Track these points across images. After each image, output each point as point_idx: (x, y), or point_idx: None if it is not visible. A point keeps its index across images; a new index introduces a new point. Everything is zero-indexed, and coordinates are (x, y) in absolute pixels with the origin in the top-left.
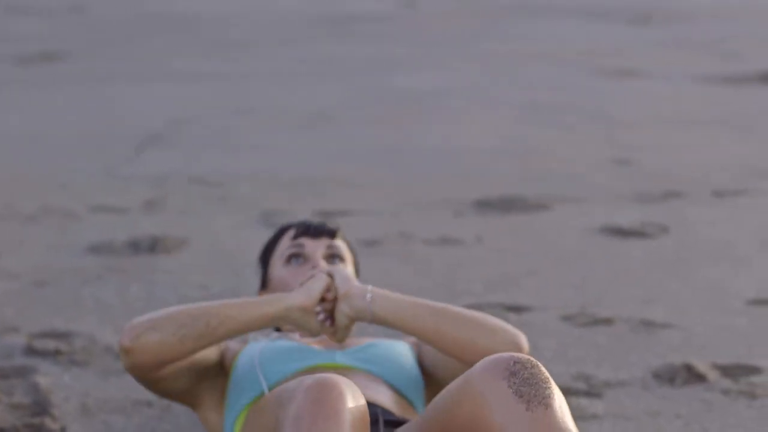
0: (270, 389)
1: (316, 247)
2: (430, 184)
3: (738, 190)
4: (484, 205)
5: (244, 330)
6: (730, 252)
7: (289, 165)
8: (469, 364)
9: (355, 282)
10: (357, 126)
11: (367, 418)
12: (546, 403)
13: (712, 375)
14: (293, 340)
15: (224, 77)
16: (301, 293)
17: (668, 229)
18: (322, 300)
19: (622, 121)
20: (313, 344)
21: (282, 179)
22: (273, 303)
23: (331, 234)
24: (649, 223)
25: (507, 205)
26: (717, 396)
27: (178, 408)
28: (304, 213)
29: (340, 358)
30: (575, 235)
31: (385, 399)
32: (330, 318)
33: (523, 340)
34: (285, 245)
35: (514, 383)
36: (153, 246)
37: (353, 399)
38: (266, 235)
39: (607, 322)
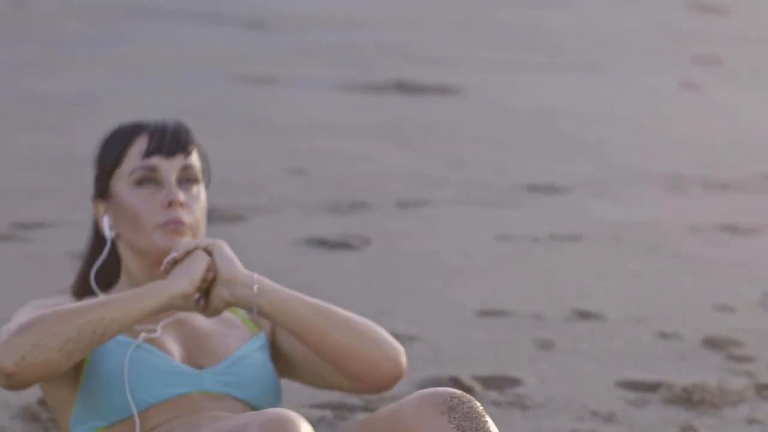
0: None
1: (170, 169)
2: None
3: (419, 201)
4: None
5: (127, 328)
6: (439, 263)
7: None
8: (344, 372)
9: (239, 265)
10: (14, 132)
11: None
12: None
13: (477, 387)
14: (154, 346)
15: None
16: (181, 279)
17: (370, 241)
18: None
19: (281, 130)
20: (176, 356)
21: None
22: (154, 295)
23: (187, 150)
24: (351, 235)
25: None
26: (489, 408)
27: None
28: (0, 225)
29: (209, 383)
30: (281, 247)
31: None
32: (204, 297)
33: (404, 356)
34: (134, 162)
35: (455, 418)
36: None
37: None
38: None
39: None
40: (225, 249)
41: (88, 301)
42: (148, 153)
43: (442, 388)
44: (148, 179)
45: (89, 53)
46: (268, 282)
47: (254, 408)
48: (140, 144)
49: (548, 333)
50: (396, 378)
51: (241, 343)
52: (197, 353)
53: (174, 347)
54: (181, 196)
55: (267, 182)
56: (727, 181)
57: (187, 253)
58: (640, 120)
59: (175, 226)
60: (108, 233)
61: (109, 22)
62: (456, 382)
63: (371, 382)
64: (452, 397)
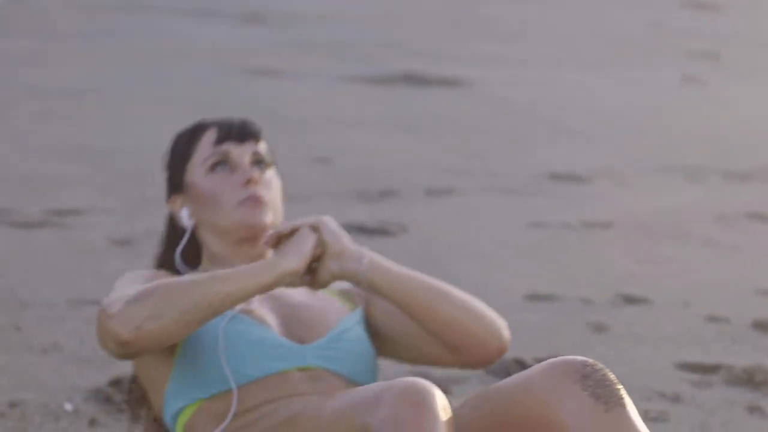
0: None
1: (242, 154)
2: (148, 182)
3: (446, 190)
4: None
5: (239, 303)
6: (477, 249)
7: None
8: (451, 345)
9: (348, 239)
10: (24, 123)
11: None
12: (622, 403)
13: None
14: (252, 318)
15: None
16: (292, 256)
17: (407, 228)
18: None
19: (295, 122)
20: (274, 329)
21: None
22: (267, 271)
23: (257, 137)
24: (387, 222)
25: None
26: None
27: None
28: (34, 211)
29: (310, 357)
30: None
31: None
32: (308, 272)
33: (507, 331)
34: (206, 151)
35: (589, 386)
36: None
37: (445, 404)
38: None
39: None
40: (331, 224)
41: (203, 275)
42: (219, 140)
43: (570, 357)
44: (222, 163)
45: (89, 47)
46: (376, 256)
47: (354, 384)
48: (210, 135)
49: (599, 317)
50: (501, 352)
51: (339, 317)
52: (296, 327)
53: (271, 320)
54: (257, 174)
55: (293, 171)
56: (746, 171)
57: (293, 230)
58: (646, 114)
59: (255, 203)
60: (187, 222)
61: (106, 17)
62: (520, 364)
63: (476, 356)
64: (585, 365)
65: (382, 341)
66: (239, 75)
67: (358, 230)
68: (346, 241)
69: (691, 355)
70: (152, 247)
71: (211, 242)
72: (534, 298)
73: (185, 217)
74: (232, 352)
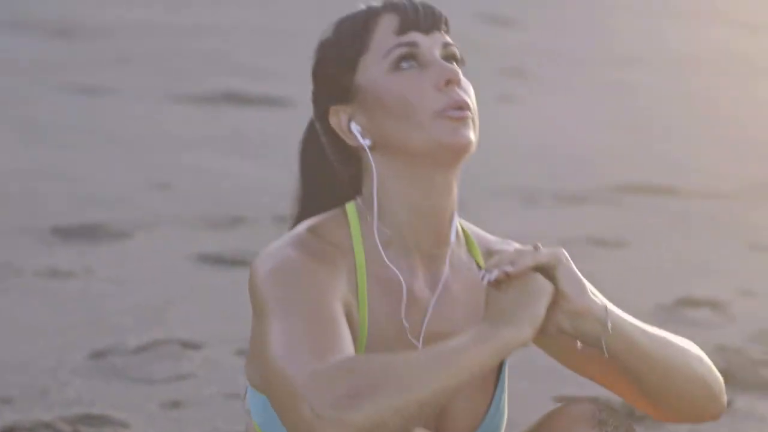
0: None
1: (431, 45)
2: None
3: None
4: (67, 234)
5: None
6: None
7: None
8: (661, 407)
9: (590, 291)
10: None
11: None
12: None
13: None
14: None
15: None
16: (524, 325)
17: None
18: None
19: (127, 142)
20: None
21: None
22: (498, 348)
23: (445, 27)
24: (245, 251)
25: (91, 233)
26: None
27: None
28: None
29: None
30: (181, 260)
31: None
32: None
33: (725, 396)
34: (386, 42)
35: None
36: None
37: None
38: None
39: None
40: (571, 267)
41: (420, 360)
42: (404, 28)
43: (581, 400)
44: (409, 57)
45: None
46: (618, 317)
47: None
48: (388, 21)
49: None
50: (714, 418)
51: (492, 387)
52: (446, 414)
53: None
54: (459, 72)
55: (136, 196)
56: (577, 193)
57: (523, 272)
58: None
59: (461, 112)
60: (363, 141)
61: None
62: None
63: (681, 418)
64: (600, 410)
65: (543, 341)
66: (59, 92)
67: (215, 261)
68: (590, 294)
69: (567, 389)
70: (17, 282)
71: (386, 169)
72: None
73: (358, 134)
74: None
